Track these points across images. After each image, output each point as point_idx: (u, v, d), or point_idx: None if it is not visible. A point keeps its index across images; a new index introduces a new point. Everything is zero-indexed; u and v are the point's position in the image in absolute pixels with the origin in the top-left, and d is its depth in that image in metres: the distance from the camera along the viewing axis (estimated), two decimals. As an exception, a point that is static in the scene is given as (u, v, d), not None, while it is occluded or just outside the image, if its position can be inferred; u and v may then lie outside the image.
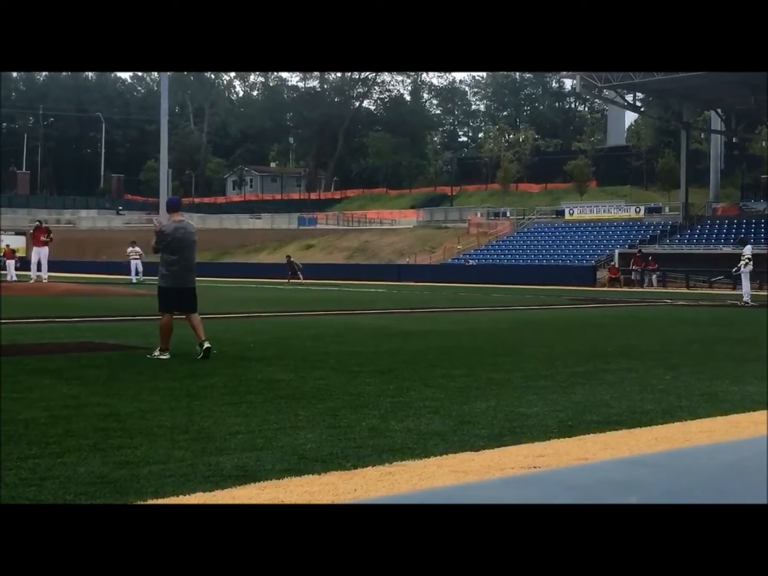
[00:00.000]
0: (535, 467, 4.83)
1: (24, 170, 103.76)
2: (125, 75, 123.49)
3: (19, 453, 4.98)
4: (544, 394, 7.53)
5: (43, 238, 29.31)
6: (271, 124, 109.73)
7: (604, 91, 51.79)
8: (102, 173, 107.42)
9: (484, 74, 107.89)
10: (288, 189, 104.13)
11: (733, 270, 27.91)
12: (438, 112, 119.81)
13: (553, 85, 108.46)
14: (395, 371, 8.92)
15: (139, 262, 40.72)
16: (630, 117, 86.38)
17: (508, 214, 64.41)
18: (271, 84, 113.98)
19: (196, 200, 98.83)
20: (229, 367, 9.11)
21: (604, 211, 57.96)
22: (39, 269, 29.90)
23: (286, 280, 42.75)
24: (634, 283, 44.65)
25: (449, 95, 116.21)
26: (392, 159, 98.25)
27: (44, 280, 29.32)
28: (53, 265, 30.29)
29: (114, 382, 7.87)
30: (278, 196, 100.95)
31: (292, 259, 45.92)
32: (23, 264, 37.79)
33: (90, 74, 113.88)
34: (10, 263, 36.16)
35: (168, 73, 70.18)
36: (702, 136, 68.69)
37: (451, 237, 61.04)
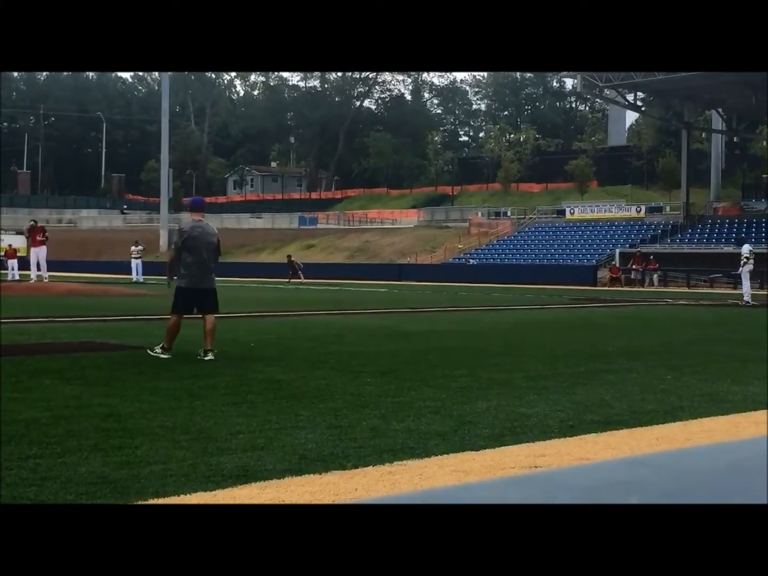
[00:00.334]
0: (536, 467, 4.83)
1: (25, 170, 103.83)
2: (126, 75, 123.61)
3: (20, 453, 4.98)
4: (545, 394, 7.52)
5: (39, 238, 29.28)
6: (272, 123, 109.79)
7: (605, 90, 51.80)
8: (103, 173, 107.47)
9: (485, 74, 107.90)
10: (289, 189, 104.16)
11: (739, 270, 27.86)
12: (439, 111, 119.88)
13: (554, 84, 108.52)
14: (396, 371, 8.92)
15: (139, 261, 40.67)
16: (631, 117, 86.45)
17: (509, 214, 64.42)
18: (272, 84, 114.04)
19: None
20: (230, 367, 9.11)
21: (605, 211, 57.96)
22: (39, 269, 29.87)
23: (287, 280, 42.76)
24: (634, 282, 44.65)
25: (450, 95, 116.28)
26: (393, 159, 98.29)
27: (45, 280, 29.30)
28: (54, 265, 30.27)
29: (115, 382, 7.87)
30: (279, 196, 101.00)
31: (293, 259, 45.92)
32: (23, 264, 37.79)
33: (91, 74, 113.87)
34: (13, 263, 36.16)
35: (169, 73, 70.19)
36: (703, 135, 68.67)
37: (452, 237, 61.04)
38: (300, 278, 43.17)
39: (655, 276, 45.00)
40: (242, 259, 63.26)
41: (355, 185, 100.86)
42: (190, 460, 4.88)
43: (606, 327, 16.26)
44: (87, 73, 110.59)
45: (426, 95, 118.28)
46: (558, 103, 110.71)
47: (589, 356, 10.63)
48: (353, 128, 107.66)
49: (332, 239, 67.62)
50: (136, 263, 40.54)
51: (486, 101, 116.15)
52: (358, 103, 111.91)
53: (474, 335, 13.81)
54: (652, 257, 45.55)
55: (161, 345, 9.89)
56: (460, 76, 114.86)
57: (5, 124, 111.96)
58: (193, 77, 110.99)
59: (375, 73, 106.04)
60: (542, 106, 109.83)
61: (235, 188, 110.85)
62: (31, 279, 30.15)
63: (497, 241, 59.40)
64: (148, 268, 47.40)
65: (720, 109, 54.69)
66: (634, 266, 45.55)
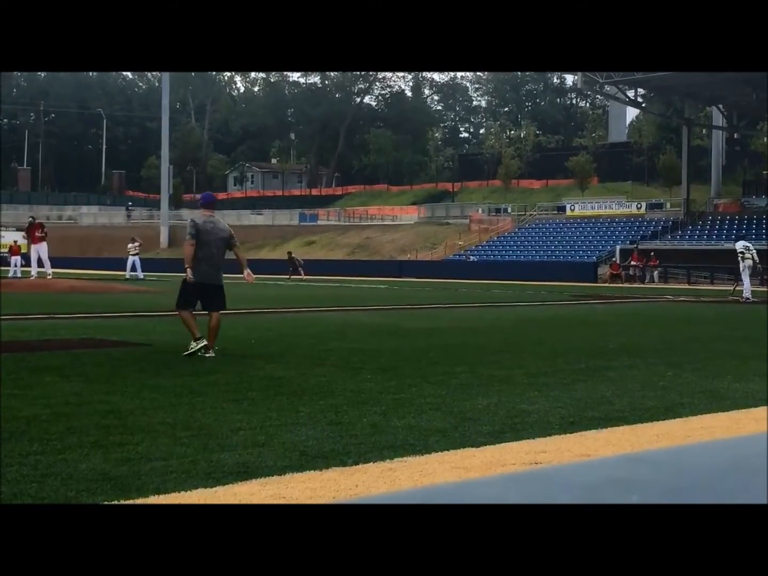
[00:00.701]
0: (536, 464, 4.83)
1: (25, 167, 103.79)
2: (126, 72, 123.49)
3: (21, 450, 4.98)
4: (546, 390, 7.53)
5: (38, 234, 29.25)
6: (272, 120, 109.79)
7: (606, 87, 51.76)
8: (103, 170, 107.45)
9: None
10: (289, 185, 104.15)
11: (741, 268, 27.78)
12: (439, 108, 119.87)
13: (555, 81, 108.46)
14: (397, 368, 8.92)
15: (137, 258, 40.52)
16: (631, 113, 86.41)
17: (509, 211, 64.40)
18: (272, 80, 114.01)
19: (198, 197, 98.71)
20: (230, 364, 9.11)
21: (606, 208, 57.95)
22: (40, 266, 29.84)
23: (288, 277, 42.77)
24: (634, 279, 44.66)
25: (450, 91, 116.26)
26: (393, 155, 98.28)
27: (49, 276, 29.27)
28: (54, 262, 30.23)
29: (116, 379, 7.88)
30: (279, 193, 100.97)
31: (293, 256, 45.91)
32: (25, 261, 37.81)
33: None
34: (16, 259, 36.17)
35: (169, 69, 70.37)
36: (703, 132, 68.61)
37: (452, 233, 61.03)
38: (300, 275, 43.18)
39: (656, 273, 45.00)
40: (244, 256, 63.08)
41: (355, 182, 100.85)
42: (191, 457, 4.89)
43: (606, 324, 16.26)
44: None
45: (426, 92, 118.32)
46: (558, 100, 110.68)
47: (589, 353, 10.64)
48: (354, 125, 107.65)
49: (333, 236, 67.61)
50: (133, 260, 40.35)
51: (486, 98, 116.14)
52: (358, 100, 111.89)
53: (474, 332, 13.81)
54: (652, 254, 45.55)
55: (192, 340, 9.64)
56: (460, 72, 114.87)
57: (5, 120, 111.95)
58: (193, 74, 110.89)
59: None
60: (543, 103, 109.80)
61: (235, 185, 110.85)
62: (32, 276, 30.14)
63: (497, 237, 59.39)
64: (148, 265, 47.38)
65: (721, 106, 54.64)
66: (632, 263, 45.58)
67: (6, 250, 42.21)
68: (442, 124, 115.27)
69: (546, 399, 7.07)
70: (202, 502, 4.02)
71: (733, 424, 6.17)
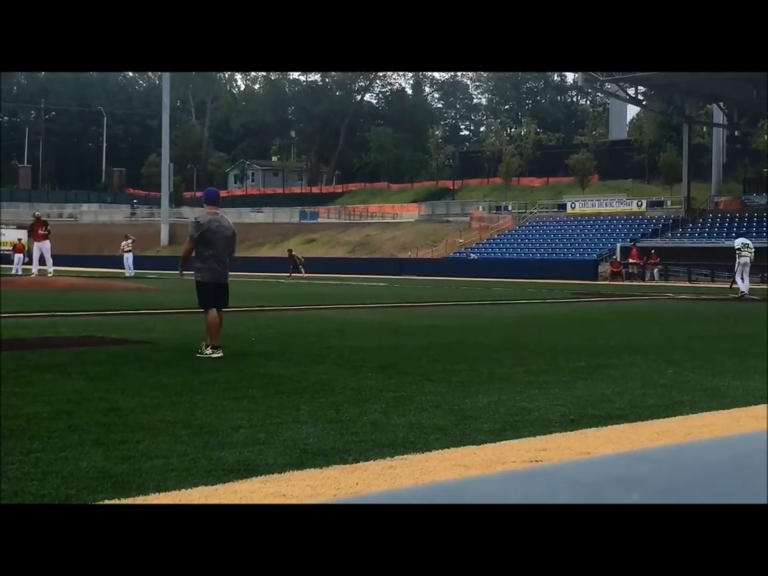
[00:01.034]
0: (537, 461, 4.84)
1: (26, 164, 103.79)
2: (127, 71, 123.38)
3: (22, 447, 4.99)
4: (546, 388, 7.53)
5: (41, 232, 29.22)
6: (272, 118, 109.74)
7: (606, 84, 51.74)
8: (103, 168, 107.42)
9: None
10: (290, 183, 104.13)
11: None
12: (440, 106, 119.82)
13: (555, 78, 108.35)
14: (397, 366, 8.92)
15: (130, 255, 40.51)
16: (632, 111, 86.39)
17: (510, 209, 64.38)
18: (272, 78, 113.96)
19: (198, 194, 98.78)
20: (231, 362, 9.11)
21: (606, 206, 57.95)
22: (42, 264, 29.81)
23: (288, 275, 42.75)
24: (634, 277, 44.66)
25: (451, 89, 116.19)
26: (394, 153, 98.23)
27: (50, 274, 29.27)
28: (54, 260, 30.19)
29: (116, 377, 7.88)
30: (280, 191, 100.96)
31: (293, 254, 45.91)
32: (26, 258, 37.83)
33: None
34: (19, 257, 36.20)
35: (169, 67, 70.27)
36: (704, 130, 68.59)
37: (452, 231, 61.02)
38: (301, 273, 43.17)
39: (656, 270, 44.99)
40: (243, 254, 63.09)
41: (355, 180, 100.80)
42: (191, 455, 4.89)
43: (607, 322, 16.26)
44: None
45: (427, 89, 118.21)
46: (559, 98, 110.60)
47: (590, 351, 10.64)
48: (354, 122, 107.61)
49: (333, 234, 67.60)
50: (128, 257, 40.35)
51: (487, 95, 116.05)
52: (359, 98, 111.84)
53: (475, 330, 13.81)
54: (653, 252, 45.56)
55: (207, 345, 9.52)
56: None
57: (6, 118, 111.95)
58: (193, 72, 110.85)
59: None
60: (543, 101, 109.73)
61: (235, 183, 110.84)
62: (33, 274, 30.13)
63: (498, 235, 59.38)
64: (149, 263, 47.36)
65: (721, 104, 54.62)
66: (630, 260, 45.61)
67: (6, 247, 42.24)
68: (442, 122, 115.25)
69: (546, 397, 7.07)
70: (202, 499, 4.02)
71: (734, 421, 6.17)
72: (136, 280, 33.45)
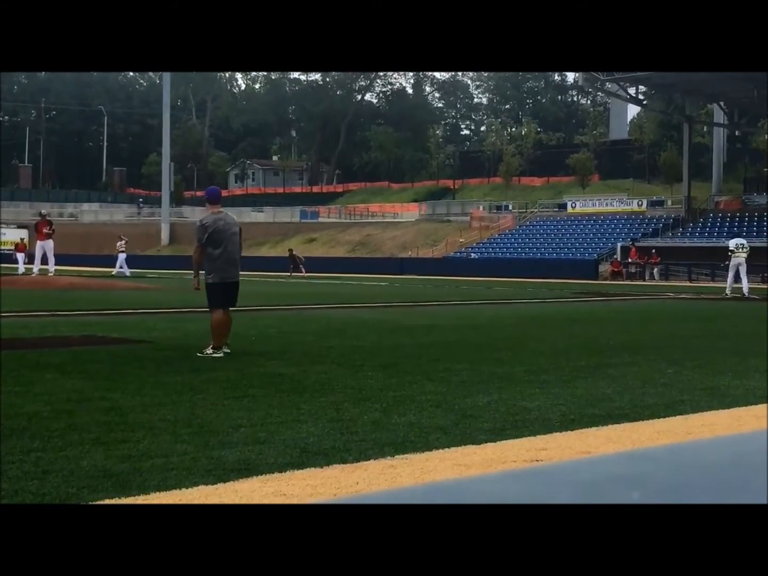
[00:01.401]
0: (537, 461, 4.84)
1: (26, 164, 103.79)
2: (128, 71, 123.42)
3: (22, 446, 4.99)
4: (547, 388, 7.53)
5: (45, 231, 29.21)
6: (273, 117, 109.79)
7: (607, 84, 51.72)
8: (104, 167, 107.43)
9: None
10: (290, 183, 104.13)
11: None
12: (440, 105, 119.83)
13: (556, 78, 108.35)
14: (397, 365, 8.92)
15: (123, 255, 40.57)
16: (632, 110, 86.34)
17: (510, 208, 64.37)
18: (273, 77, 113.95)
19: (198, 194, 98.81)
20: (231, 361, 9.11)
21: (607, 205, 57.93)
22: (44, 263, 29.80)
23: (289, 274, 42.76)
24: (635, 276, 44.67)
25: (451, 88, 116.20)
26: (394, 152, 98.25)
27: (51, 273, 29.26)
28: (55, 259, 30.20)
29: (117, 376, 7.88)
30: (280, 190, 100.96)
31: (294, 253, 45.90)
32: (30, 258, 37.84)
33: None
34: (20, 256, 36.22)
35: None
36: (705, 129, 68.57)
37: (453, 231, 61.01)
38: (301, 272, 43.17)
39: (656, 270, 44.99)
40: (243, 253, 62.90)
41: (356, 179, 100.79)
42: (192, 454, 4.89)
43: (607, 321, 16.26)
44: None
45: (427, 89, 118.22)
46: (559, 97, 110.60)
47: (590, 350, 10.64)
48: (355, 122, 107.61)
49: (333, 233, 67.60)
50: (120, 257, 40.43)
51: (487, 95, 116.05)
52: (359, 97, 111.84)
53: (475, 329, 13.81)
54: (653, 251, 45.55)
55: (210, 345, 9.51)
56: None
57: (6, 117, 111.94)
58: (194, 72, 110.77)
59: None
60: (544, 100, 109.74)
61: (236, 182, 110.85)
62: (33, 273, 30.13)
63: (498, 235, 59.38)
64: (149, 262, 47.33)
65: (722, 103, 54.61)
66: (630, 259, 45.62)
67: (6, 247, 42.26)
68: (443, 122, 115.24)
69: (547, 396, 7.07)
70: (203, 499, 4.02)
71: (734, 421, 6.17)
72: (135, 280, 33.44)
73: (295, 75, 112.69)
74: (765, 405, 6.59)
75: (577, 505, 1.25)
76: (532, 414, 6.31)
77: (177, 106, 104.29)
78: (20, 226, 68.64)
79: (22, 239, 42.02)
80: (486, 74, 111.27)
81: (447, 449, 5.13)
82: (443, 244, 58.34)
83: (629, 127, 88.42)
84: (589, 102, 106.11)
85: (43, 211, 33.42)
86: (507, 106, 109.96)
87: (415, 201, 79.97)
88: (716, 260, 41.16)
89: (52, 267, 29.61)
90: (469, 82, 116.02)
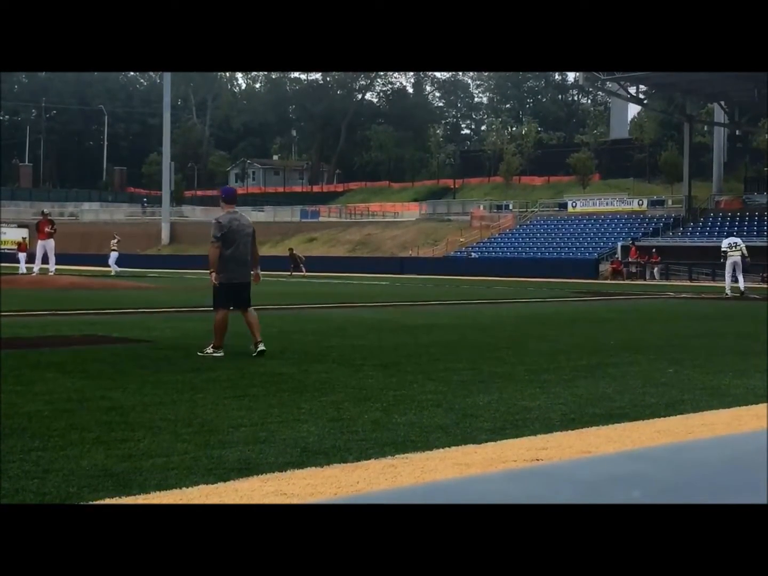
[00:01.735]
0: (537, 460, 4.84)
1: (27, 163, 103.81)
2: (128, 71, 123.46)
3: (23, 446, 4.99)
4: (547, 387, 7.53)
5: (47, 230, 29.19)
6: (273, 117, 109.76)
7: (607, 83, 51.72)
8: (104, 166, 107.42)
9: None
10: (290, 182, 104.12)
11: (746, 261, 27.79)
12: (441, 104, 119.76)
13: (556, 78, 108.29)
14: (398, 365, 8.92)
15: (116, 254, 40.58)
16: (633, 110, 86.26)
17: (510, 208, 64.36)
18: (273, 77, 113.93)
19: (199, 193, 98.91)
20: (231, 360, 9.12)
21: (607, 204, 57.93)
22: (44, 262, 29.78)
23: (289, 273, 42.77)
24: (635, 276, 44.66)
25: (452, 88, 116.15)
26: (395, 152, 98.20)
27: (51, 273, 29.25)
28: (56, 258, 30.20)
29: (117, 375, 7.88)
30: (281, 189, 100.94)
31: (294, 253, 45.91)
32: (30, 257, 37.84)
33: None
34: (22, 256, 36.23)
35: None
36: (705, 128, 68.55)
37: (453, 230, 61.01)
38: (302, 272, 43.18)
39: (656, 270, 44.99)
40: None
41: (356, 178, 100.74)
42: (192, 453, 4.90)
43: (607, 320, 16.26)
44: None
45: (428, 88, 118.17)
46: (560, 96, 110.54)
47: (590, 350, 10.64)
48: (355, 121, 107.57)
49: (334, 233, 67.60)
50: (113, 255, 40.45)
51: (488, 94, 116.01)
52: (359, 96, 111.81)
53: (476, 329, 13.81)
54: (654, 251, 45.55)
55: (210, 344, 9.52)
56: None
57: (7, 117, 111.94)
58: (194, 72, 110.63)
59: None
60: (544, 99, 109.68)
61: (236, 181, 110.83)
62: (33, 272, 30.13)
63: (499, 234, 59.37)
64: (150, 262, 47.32)
65: (722, 102, 54.59)
66: (630, 259, 45.63)
67: (8, 246, 42.25)
68: (443, 121, 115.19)
69: (547, 396, 7.07)
70: (203, 498, 4.02)
71: (734, 420, 6.17)
72: (135, 279, 33.43)
73: (295, 75, 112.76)
74: (765, 404, 6.59)
75: (577, 505, 1.26)
76: (532, 413, 6.31)
77: (177, 105, 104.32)
78: (21, 226, 68.65)
79: (23, 239, 42.00)
80: (486, 74, 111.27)
81: (447, 449, 5.13)
82: (443, 243, 58.34)
83: (630, 126, 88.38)
84: (589, 101, 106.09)
85: (45, 210, 33.40)
86: (507, 106, 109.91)
87: (416, 200, 79.94)
88: (716, 260, 41.17)
89: (52, 266, 29.58)
90: (469, 81, 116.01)
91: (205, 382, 7.49)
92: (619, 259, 46.58)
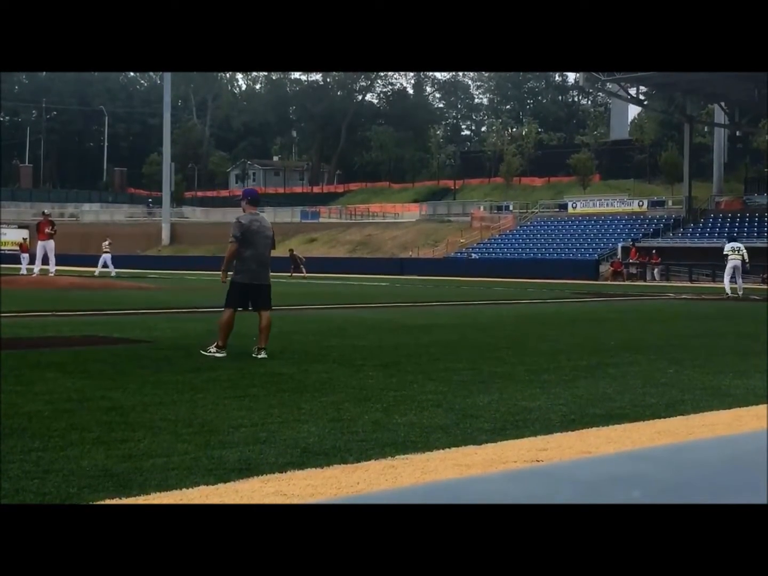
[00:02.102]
0: (537, 461, 4.84)
1: (27, 164, 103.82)
2: (128, 71, 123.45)
3: (23, 446, 4.99)
4: (547, 387, 7.53)
5: (47, 231, 29.19)
6: (274, 117, 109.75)
7: (608, 84, 51.72)
8: (105, 167, 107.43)
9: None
10: (291, 183, 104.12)
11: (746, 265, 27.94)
12: (441, 105, 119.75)
13: (556, 78, 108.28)
14: (398, 365, 8.92)
15: (108, 255, 40.53)
16: (633, 110, 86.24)
17: (511, 208, 64.35)
18: (273, 77, 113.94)
19: (199, 194, 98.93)
20: (232, 360, 9.12)
21: (608, 205, 57.93)
22: (45, 263, 29.78)
23: (289, 274, 42.76)
24: (635, 276, 44.66)
25: (452, 89, 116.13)
26: (395, 153, 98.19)
27: (51, 274, 29.25)
28: (56, 259, 30.20)
29: (117, 375, 7.88)
30: (281, 190, 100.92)
31: (295, 253, 45.89)
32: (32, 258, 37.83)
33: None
34: (24, 257, 36.23)
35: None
36: (705, 129, 68.54)
37: (454, 231, 61.01)
38: (302, 272, 43.17)
39: (657, 270, 44.98)
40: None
41: (357, 179, 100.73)
42: (193, 454, 4.89)
43: (608, 321, 16.26)
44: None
45: (428, 89, 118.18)
46: (560, 97, 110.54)
47: (590, 350, 10.64)
48: (355, 122, 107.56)
49: (334, 233, 67.60)
50: (105, 257, 40.41)
51: (488, 95, 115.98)
52: (360, 97, 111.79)
53: (476, 329, 13.81)
54: (654, 251, 45.54)
55: (215, 344, 9.52)
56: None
57: (7, 117, 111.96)
58: (194, 72, 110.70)
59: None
60: (544, 100, 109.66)
61: (237, 182, 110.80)
62: (34, 273, 30.13)
63: (499, 235, 59.36)
64: (150, 262, 47.33)
65: (723, 103, 54.59)
66: (630, 260, 45.63)
67: (8, 247, 42.24)
68: (443, 122, 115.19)
69: (547, 396, 7.07)
70: (203, 498, 4.02)
71: (735, 420, 6.17)
72: (135, 280, 33.43)
73: (295, 75, 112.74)
74: (765, 405, 6.59)
75: (577, 505, 1.25)
76: (532, 414, 6.31)
77: (178, 105, 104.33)
78: (21, 226, 68.65)
79: (24, 239, 41.98)
80: (487, 74, 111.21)
81: (448, 449, 5.13)
82: (444, 244, 58.34)
83: (630, 127, 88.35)
84: (589, 102, 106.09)
85: (45, 211, 33.40)
86: (508, 107, 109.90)
87: (416, 201, 79.95)
88: (717, 260, 41.18)
89: (52, 267, 29.58)
90: (469, 82, 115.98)
91: (206, 382, 7.49)
92: (620, 259, 46.58)
